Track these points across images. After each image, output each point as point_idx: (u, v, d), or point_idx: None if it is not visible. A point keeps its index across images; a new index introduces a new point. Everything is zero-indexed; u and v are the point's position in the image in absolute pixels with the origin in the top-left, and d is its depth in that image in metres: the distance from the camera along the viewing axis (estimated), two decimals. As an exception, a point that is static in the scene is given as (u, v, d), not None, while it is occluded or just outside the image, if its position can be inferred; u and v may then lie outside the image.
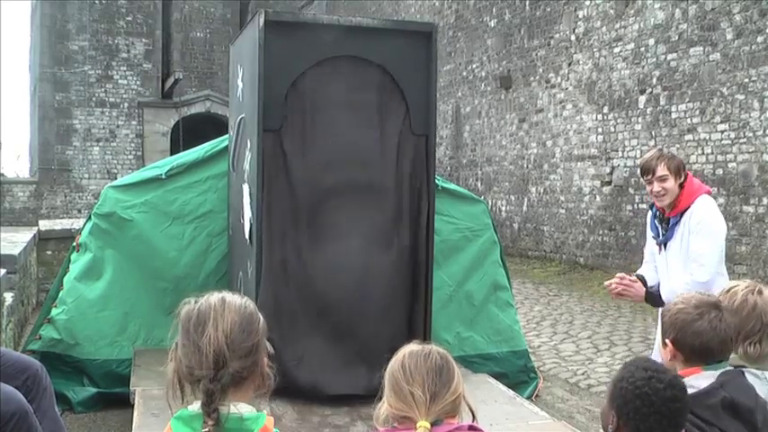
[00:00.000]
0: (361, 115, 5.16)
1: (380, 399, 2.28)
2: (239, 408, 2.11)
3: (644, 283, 4.67)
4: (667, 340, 2.68)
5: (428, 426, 2.12)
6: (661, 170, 4.42)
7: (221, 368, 2.07)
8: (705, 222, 4.37)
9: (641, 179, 4.67)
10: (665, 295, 4.43)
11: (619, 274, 4.57)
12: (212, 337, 2.08)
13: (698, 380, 2.60)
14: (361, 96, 5.16)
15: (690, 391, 2.47)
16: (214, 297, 2.18)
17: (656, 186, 4.43)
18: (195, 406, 2.11)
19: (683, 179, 4.44)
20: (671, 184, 4.41)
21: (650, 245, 4.82)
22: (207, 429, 2.06)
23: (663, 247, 4.60)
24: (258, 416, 2.15)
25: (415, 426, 2.13)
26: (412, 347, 2.27)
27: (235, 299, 2.20)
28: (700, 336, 2.60)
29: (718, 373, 2.62)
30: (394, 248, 5.24)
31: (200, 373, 2.08)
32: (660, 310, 2.76)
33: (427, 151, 5.40)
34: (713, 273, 4.32)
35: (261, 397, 2.24)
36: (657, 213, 4.63)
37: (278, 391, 5.05)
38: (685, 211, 4.43)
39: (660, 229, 4.63)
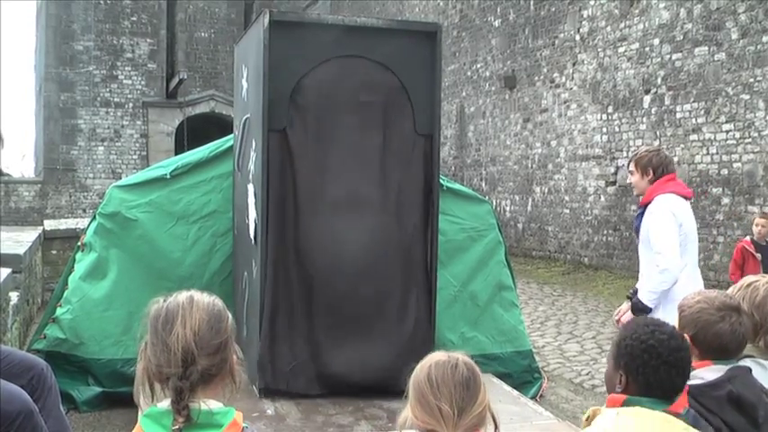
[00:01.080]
0: (366, 115, 5.16)
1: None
2: (209, 404, 2.12)
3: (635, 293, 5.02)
4: (686, 335, 2.73)
5: None
6: (631, 166, 5.01)
7: (190, 365, 2.08)
8: (654, 216, 4.79)
9: None
10: (639, 292, 4.87)
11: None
12: (180, 334, 2.10)
13: (707, 372, 2.70)
14: (365, 96, 5.16)
15: (697, 382, 2.60)
16: (182, 296, 2.19)
17: (629, 179, 5.09)
18: (164, 403, 2.12)
19: (651, 176, 4.88)
20: (636, 179, 4.96)
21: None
22: (177, 427, 2.07)
23: (637, 235, 5.11)
24: (227, 410, 2.15)
25: None
26: (439, 357, 2.23)
27: (203, 297, 2.20)
28: (720, 337, 2.71)
29: (727, 367, 2.71)
30: (398, 248, 5.24)
31: (168, 371, 2.10)
32: (678, 304, 2.81)
33: (432, 151, 5.40)
34: (675, 257, 4.67)
35: (231, 393, 2.25)
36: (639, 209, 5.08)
37: (280, 392, 5.07)
38: (647, 204, 4.87)
39: (636, 219, 5.15)
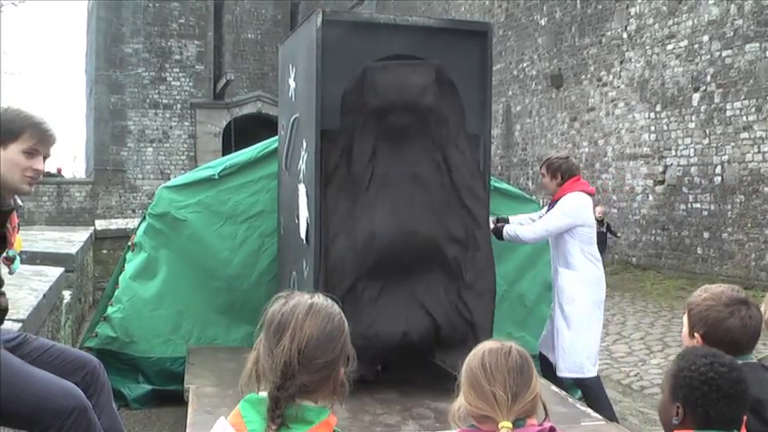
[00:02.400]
0: (417, 115, 5.13)
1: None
2: (303, 402, 2.11)
3: (505, 221, 6.05)
4: (697, 334, 2.74)
5: (510, 426, 2.11)
6: (543, 169, 5.98)
7: (289, 379, 2.06)
8: (562, 206, 5.74)
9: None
10: (551, 266, 6.10)
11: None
12: (285, 348, 2.06)
13: None
14: (416, 96, 5.12)
15: None
16: (302, 303, 2.14)
17: (542, 180, 6.05)
18: (265, 393, 2.12)
19: (559, 180, 5.85)
20: (546, 180, 5.95)
21: (532, 218, 6.19)
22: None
23: None
24: (321, 409, 2.14)
25: (496, 426, 2.12)
26: (491, 344, 2.24)
27: (322, 309, 2.14)
28: (731, 333, 2.67)
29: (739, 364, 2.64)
30: (450, 247, 5.22)
31: (269, 377, 2.09)
32: (687, 302, 2.81)
33: (483, 151, 5.37)
34: (541, 235, 5.85)
35: (331, 402, 2.21)
36: (550, 204, 6.00)
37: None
38: (555, 203, 5.84)
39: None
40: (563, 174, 5.89)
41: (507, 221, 6.01)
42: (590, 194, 5.93)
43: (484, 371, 2.16)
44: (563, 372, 5.83)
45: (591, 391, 5.84)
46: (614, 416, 5.67)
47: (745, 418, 2.34)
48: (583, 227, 5.81)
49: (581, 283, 5.82)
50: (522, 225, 5.97)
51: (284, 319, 2.11)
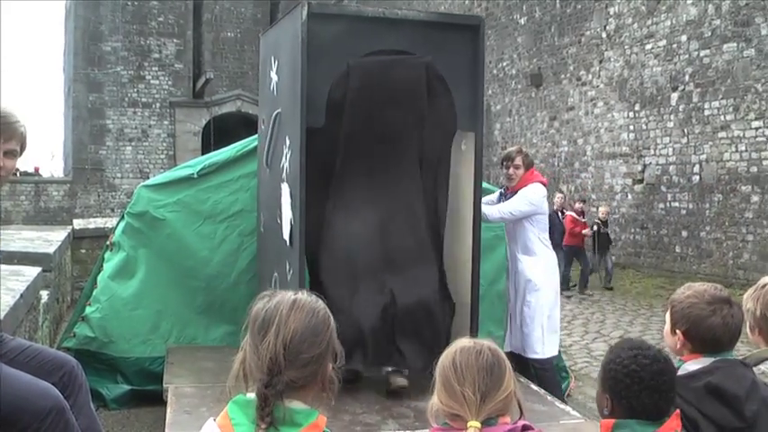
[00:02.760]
0: (406, 111, 5.06)
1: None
2: (291, 403, 2.09)
3: None
4: (678, 331, 2.74)
5: (478, 426, 2.11)
6: (518, 161, 6.16)
7: (275, 375, 2.05)
8: (528, 193, 6.04)
9: (503, 164, 6.29)
10: (508, 253, 6.37)
11: None
12: (271, 344, 2.05)
13: (693, 365, 2.69)
14: (406, 91, 5.04)
15: (682, 373, 2.59)
16: (286, 299, 2.14)
17: (512, 171, 6.17)
18: (253, 394, 2.11)
19: (524, 170, 6.15)
20: (521, 172, 6.14)
21: (491, 199, 6.38)
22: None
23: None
24: (310, 411, 2.13)
25: (465, 425, 2.12)
26: (464, 343, 2.24)
27: (306, 304, 2.14)
28: (712, 331, 2.66)
29: (712, 359, 2.67)
30: (435, 249, 5.22)
31: (256, 375, 2.08)
32: (670, 299, 2.82)
33: (475, 148, 5.33)
34: (503, 218, 6.09)
35: (321, 400, 2.20)
36: (503, 193, 6.32)
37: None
38: (518, 190, 6.09)
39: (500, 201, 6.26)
40: (529, 165, 6.27)
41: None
42: (545, 185, 6.31)
43: (454, 370, 2.16)
44: (521, 352, 6.04)
45: (547, 374, 6.07)
46: (564, 399, 5.95)
47: (677, 410, 2.36)
48: (542, 215, 6.22)
49: (542, 269, 6.12)
50: (487, 205, 6.07)
51: (268, 315, 2.10)
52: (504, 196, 6.25)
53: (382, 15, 5.27)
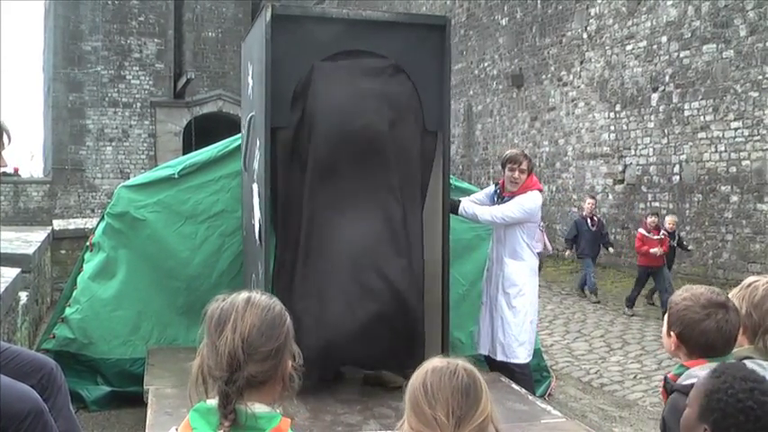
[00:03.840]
0: (373, 111, 5.07)
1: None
2: (254, 407, 2.07)
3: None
4: (673, 333, 2.73)
5: None
6: (525, 165, 6.03)
7: (236, 371, 2.03)
8: (522, 200, 5.96)
9: (506, 166, 6.10)
10: (492, 254, 6.22)
11: None
12: (229, 339, 2.04)
13: (699, 370, 2.62)
14: (372, 92, 5.06)
15: (694, 381, 2.47)
16: (240, 297, 2.14)
17: (517, 174, 6.01)
18: (213, 401, 2.10)
19: (526, 175, 6.05)
20: (525, 176, 6.03)
21: (478, 198, 6.36)
22: (223, 431, 2.04)
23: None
24: (273, 415, 2.11)
25: None
26: (435, 363, 2.04)
27: (261, 300, 2.14)
28: (706, 335, 2.64)
29: (717, 363, 2.63)
30: (407, 246, 5.21)
31: (215, 374, 2.06)
32: (669, 299, 2.81)
33: (442, 148, 5.35)
34: (499, 221, 5.97)
35: (283, 399, 2.20)
36: (498, 192, 6.19)
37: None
38: (518, 194, 6.01)
39: (495, 203, 6.15)
40: (531, 169, 6.18)
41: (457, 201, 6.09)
42: (540, 192, 6.26)
43: (425, 392, 1.98)
44: (502, 357, 6.04)
45: (525, 378, 6.06)
46: (545, 399, 6.17)
47: None
48: (534, 223, 6.22)
49: (527, 274, 6.12)
50: (478, 205, 6.12)
51: (224, 312, 2.10)
52: (501, 198, 6.17)
53: (347, 17, 5.30)
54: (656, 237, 11.96)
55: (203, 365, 2.11)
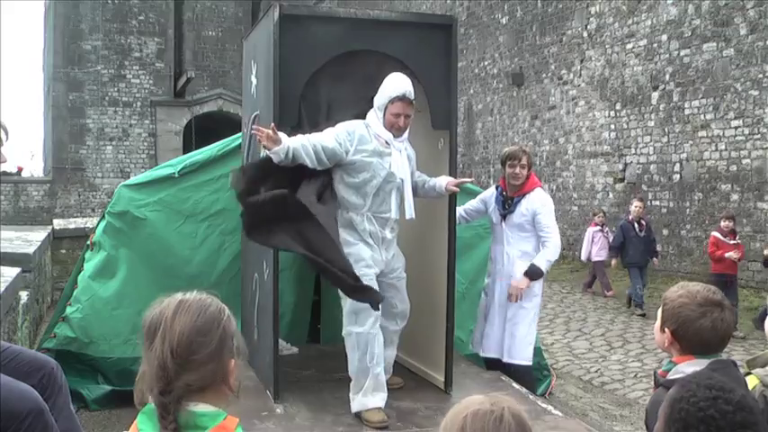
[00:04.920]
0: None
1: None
2: (196, 407, 2.01)
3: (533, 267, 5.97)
4: (667, 330, 2.71)
5: None
6: (525, 160, 6.00)
7: (170, 382, 1.97)
8: (547, 206, 6.01)
9: (507, 163, 6.08)
10: (500, 256, 6.08)
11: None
12: (158, 350, 1.98)
13: (687, 367, 2.64)
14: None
15: (679, 377, 2.50)
16: (171, 303, 2.06)
17: (518, 170, 5.98)
18: None
19: (528, 171, 6.04)
20: (526, 171, 6.00)
21: (481, 200, 6.33)
22: None
23: (503, 219, 6.07)
24: (216, 413, 2.03)
25: None
26: (477, 406, 1.68)
27: (192, 304, 2.05)
28: (700, 333, 2.64)
29: (708, 361, 2.63)
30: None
31: (150, 384, 2.01)
32: (663, 296, 2.79)
33: (450, 147, 5.35)
34: (558, 248, 5.99)
35: (226, 401, 2.11)
36: (503, 193, 6.10)
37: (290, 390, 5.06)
38: (525, 195, 5.98)
39: (502, 205, 6.08)
40: (531, 165, 6.16)
41: (531, 266, 5.96)
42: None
43: None
44: (516, 359, 6.01)
45: (532, 377, 6.14)
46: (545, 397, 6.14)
47: None
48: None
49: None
50: (543, 250, 5.97)
51: (154, 322, 2.04)
52: (509, 200, 6.05)
53: (354, 16, 5.30)
54: (731, 241, 10.79)
55: (143, 375, 2.06)
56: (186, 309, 2.04)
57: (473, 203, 6.36)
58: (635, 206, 12.40)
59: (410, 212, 4.98)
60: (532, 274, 5.91)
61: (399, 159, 4.91)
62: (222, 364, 2.04)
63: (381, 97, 4.82)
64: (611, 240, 12.99)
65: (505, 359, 6.03)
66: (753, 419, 1.93)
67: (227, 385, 2.07)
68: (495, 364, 6.11)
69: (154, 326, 2.03)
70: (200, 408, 2.02)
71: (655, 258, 12.49)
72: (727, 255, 10.55)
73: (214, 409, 2.04)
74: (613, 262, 12.85)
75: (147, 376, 2.02)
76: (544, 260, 5.96)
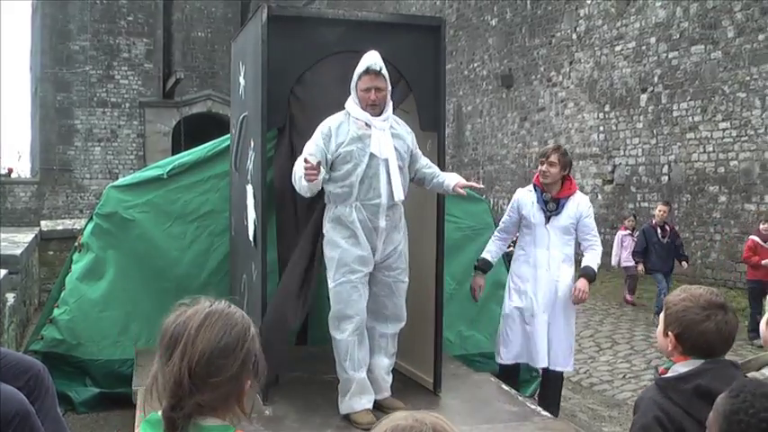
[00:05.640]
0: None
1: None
2: (204, 421, 1.91)
3: (488, 265, 6.07)
4: (671, 333, 2.70)
5: None
6: (553, 158, 5.73)
7: (183, 399, 1.86)
8: (592, 209, 5.97)
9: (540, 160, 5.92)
10: (543, 260, 5.78)
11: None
12: (176, 366, 1.86)
13: (682, 366, 2.66)
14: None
15: (674, 375, 2.55)
16: (198, 315, 1.93)
17: (545, 167, 5.75)
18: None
19: (566, 172, 5.82)
20: (556, 170, 5.73)
21: (511, 209, 6.03)
22: None
23: (547, 220, 5.82)
24: (225, 428, 1.93)
25: None
26: (399, 421, 1.55)
27: (219, 319, 1.93)
28: (704, 336, 2.62)
29: (701, 360, 2.63)
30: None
31: (162, 395, 1.90)
32: (665, 298, 2.78)
33: (437, 148, 5.35)
34: (600, 247, 5.90)
35: (237, 417, 2.01)
36: (545, 196, 5.82)
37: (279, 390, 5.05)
38: (570, 196, 5.80)
39: (547, 205, 5.81)
40: (568, 166, 5.88)
41: (586, 269, 5.82)
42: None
43: None
44: (564, 366, 5.88)
45: (560, 383, 6.05)
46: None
47: None
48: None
49: (573, 280, 5.87)
50: (592, 253, 5.86)
51: (176, 332, 1.91)
52: (554, 201, 5.79)
53: (343, 17, 5.29)
54: None
55: (156, 380, 1.94)
56: (212, 324, 1.91)
57: (506, 220, 6.08)
58: (659, 210, 11.94)
59: (399, 194, 4.76)
60: (591, 277, 5.78)
61: (381, 138, 4.71)
62: (239, 385, 1.94)
63: (353, 80, 4.75)
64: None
65: (567, 368, 5.93)
66: None
67: (240, 406, 1.98)
68: (512, 371, 6.00)
69: (175, 338, 1.91)
70: (209, 422, 1.92)
71: (684, 262, 11.76)
72: (763, 262, 10.08)
73: (223, 423, 1.94)
74: (639, 267, 12.10)
75: (160, 386, 1.91)
76: (595, 263, 5.83)
